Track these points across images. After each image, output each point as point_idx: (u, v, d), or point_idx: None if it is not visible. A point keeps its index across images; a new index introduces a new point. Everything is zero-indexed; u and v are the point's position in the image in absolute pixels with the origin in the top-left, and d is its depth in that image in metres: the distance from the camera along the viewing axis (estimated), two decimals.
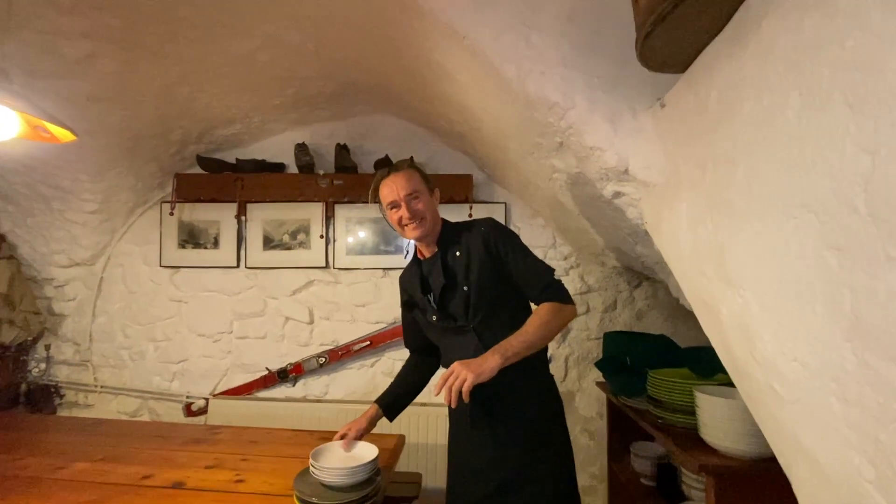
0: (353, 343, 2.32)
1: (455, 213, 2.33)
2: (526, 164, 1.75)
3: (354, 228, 2.42)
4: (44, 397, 2.40)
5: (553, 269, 1.26)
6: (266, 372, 2.37)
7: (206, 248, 2.46)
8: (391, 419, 1.45)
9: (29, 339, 2.38)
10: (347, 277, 2.43)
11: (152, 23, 1.51)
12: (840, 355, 0.52)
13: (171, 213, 2.39)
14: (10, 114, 0.97)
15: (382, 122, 2.49)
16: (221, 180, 2.38)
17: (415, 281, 1.33)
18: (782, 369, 0.61)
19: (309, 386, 2.39)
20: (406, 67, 1.80)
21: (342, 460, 1.23)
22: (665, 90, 1.07)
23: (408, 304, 1.38)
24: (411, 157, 1.36)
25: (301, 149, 2.35)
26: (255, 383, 2.35)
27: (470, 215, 2.28)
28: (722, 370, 1.08)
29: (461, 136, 2.16)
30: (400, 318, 2.30)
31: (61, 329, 2.50)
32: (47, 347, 2.44)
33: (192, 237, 2.47)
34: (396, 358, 2.38)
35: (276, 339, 2.43)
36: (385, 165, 2.31)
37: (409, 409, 2.21)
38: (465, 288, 1.22)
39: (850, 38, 0.50)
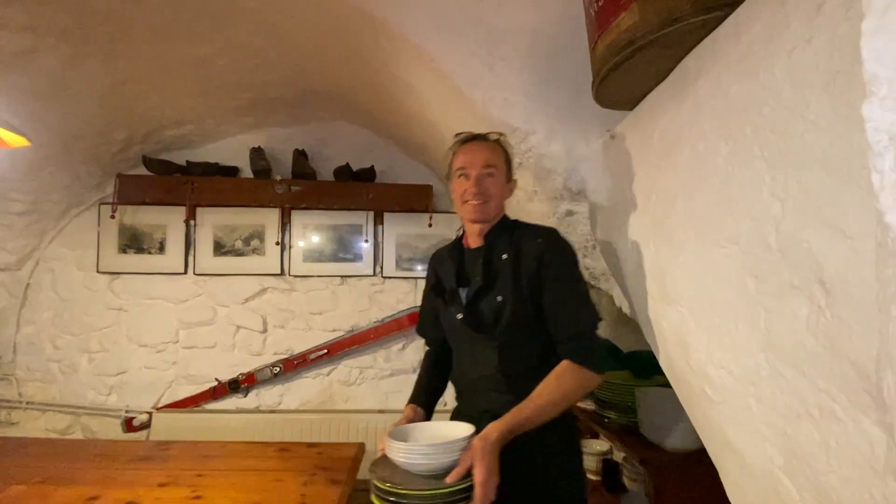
0: (310, 352, 2.30)
1: (415, 222, 2.39)
2: None
3: (312, 235, 2.40)
4: None
5: (598, 319, 1.02)
6: (215, 383, 2.29)
7: (150, 253, 2.34)
8: (429, 419, 1.24)
9: None
10: (304, 285, 2.40)
11: (104, 20, 1.44)
12: (756, 364, 0.63)
13: (113, 216, 2.25)
14: None
15: (342, 129, 2.49)
16: (169, 182, 2.28)
17: (450, 267, 1.16)
18: (711, 375, 0.72)
19: (262, 396, 2.33)
20: (371, 80, 1.83)
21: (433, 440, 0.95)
22: (615, 122, 1.19)
23: (435, 289, 1.20)
24: (503, 135, 1.14)
25: (257, 153, 2.31)
26: (204, 395, 2.26)
27: (430, 224, 2.34)
28: (659, 372, 1.21)
29: (423, 148, 2.22)
30: (356, 328, 2.36)
31: None
32: None
33: (134, 241, 2.33)
34: (353, 366, 2.38)
35: (227, 349, 2.35)
36: (345, 173, 2.33)
37: (366, 416, 2.23)
38: (500, 298, 1.04)
39: (767, 105, 0.61)
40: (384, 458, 0.94)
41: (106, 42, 1.54)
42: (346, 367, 2.38)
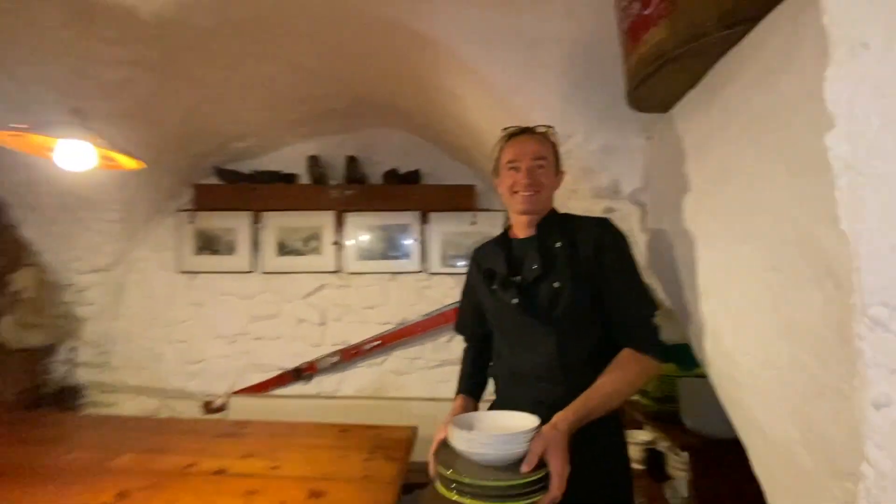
0: (365, 342, 2.48)
1: (459, 221, 2.50)
2: None
3: (363, 235, 2.57)
4: (68, 397, 2.52)
5: (656, 307, 1.02)
6: (281, 371, 2.52)
7: (221, 253, 2.60)
8: (476, 408, 1.26)
9: (54, 342, 2.50)
10: (357, 281, 2.58)
11: (185, 52, 1.65)
12: (777, 349, 0.69)
13: (192, 222, 2.53)
14: (90, 148, 1.12)
15: (389, 134, 2.64)
16: (238, 190, 2.52)
17: (498, 257, 1.15)
18: (738, 361, 0.79)
19: (322, 383, 2.54)
20: (417, 89, 1.95)
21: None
22: (651, 122, 1.24)
23: (484, 277, 1.17)
24: (550, 127, 1.15)
25: (313, 161, 2.50)
26: (272, 381, 2.50)
27: (473, 223, 2.45)
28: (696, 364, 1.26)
29: (465, 150, 2.32)
30: (405, 321, 2.51)
31: (82, 332, 2.62)
32: (72, 350, 2.56)
33: (208, 244, 2.60)
34: (404, 357, 2.54)
35: (290, 340, 2.58)
36: (393, 177, 2.48)
37: (417, 402, 2.37)
38: (557, 284, 1.02)
39: (785, 114, 0.67)
40: (444, 446, 0.93)
41: (186, 70, 1.75)
42: (398, 358, 2.54)
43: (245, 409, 2.40)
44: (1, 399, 2.30)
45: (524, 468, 0.81)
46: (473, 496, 0.79)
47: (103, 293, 2.63)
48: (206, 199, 2.54)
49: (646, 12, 0.87)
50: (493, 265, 1.16)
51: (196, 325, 2.61)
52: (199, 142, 2.31)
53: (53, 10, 1.40)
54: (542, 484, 0.81)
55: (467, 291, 1.32)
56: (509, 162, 1.09)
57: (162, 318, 2.62)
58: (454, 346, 2.52)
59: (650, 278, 1.87)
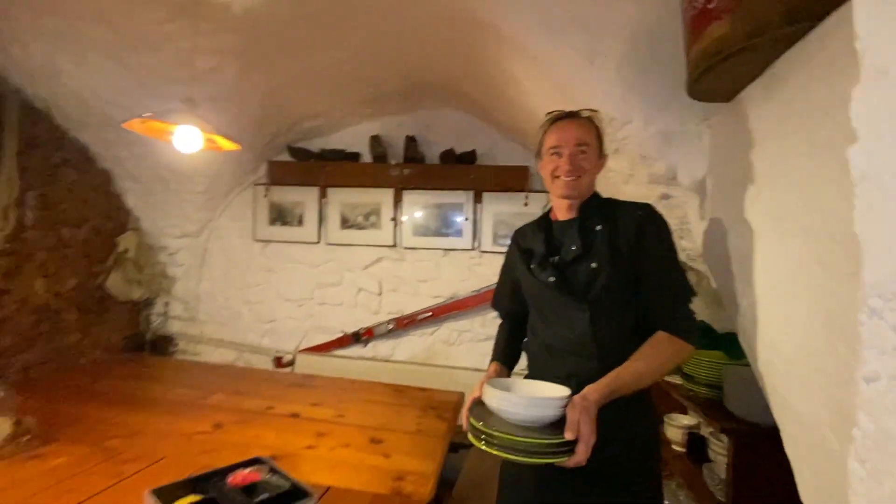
0: (418, 313, 2.64)
1: (511, 201, 2.56)
2: None
3: (419, 212, 2.70)
4: (162, 345, 2.91)
5: (692, 294, 1.04)
6: (342, 334, 2.75)
7: (291, 225, 2.84)
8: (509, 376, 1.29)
9: (151, 297, 2.88)
10: (412, 256, 2.73)
11: (267, 40, 1.81)
12: (816, 339, 0.73)
13: (266, 195, 2.77)
14: (197, 132, 1.31)
15: (446, 115, 2.72)
16: (307, 167, 2.72)
17: (538, 238, 1.18)
18: (779, 348, 0.83)
19: (377, 348, 2.75)
20: (476, 73, 2.01)
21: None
22: (711, 111, 1.24)
23: (522, 257, 1.20)
24: (595, 111, 1.15)
25: (375, 140, 2.64)
26: (334, 343, 2.74)
27: (526, 204, 2.50)
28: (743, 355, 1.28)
29: (520, 131, 2.36)
30: (456, 295, 2.64)
31: (174, 290, 2.98)
32: (166, 305, 2.93)
33: (280, 215, 2.85)
34: (453, 329, 2.68)
35: (351, 307, 2.80)
36: (449, 157, 2.56)
37: (463, 371, 2.51)
38: (595, 265, 1.05)
39: (841, 114, 0.69)
40: (479, 404, 0.98)
41: (266, 57, 1.92)
42: (447, 330, 2.69)
43: (310, 365, 2.66)
44: (110, 343, 2.71)
45: (568, 435, 0.84)
46: (501, 448, 0.84)
47: (190, 256, 2.96)
48: (278, 175, 2.77)
49: (710, 6, 0.89)
50: (532, 245, 1.19)
51: (268, 288, 2.90)
52: (274, 122, 2.51)
53: (161, 6, 1.59)
54: (567, 448, 0.84)
55: (506, 270, 1.36)
56: (552, 147, 1.10)
57: (239, 280, 2.93)
58: None
59: (703, 266, 1.86)
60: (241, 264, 2.93)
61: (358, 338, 2.71)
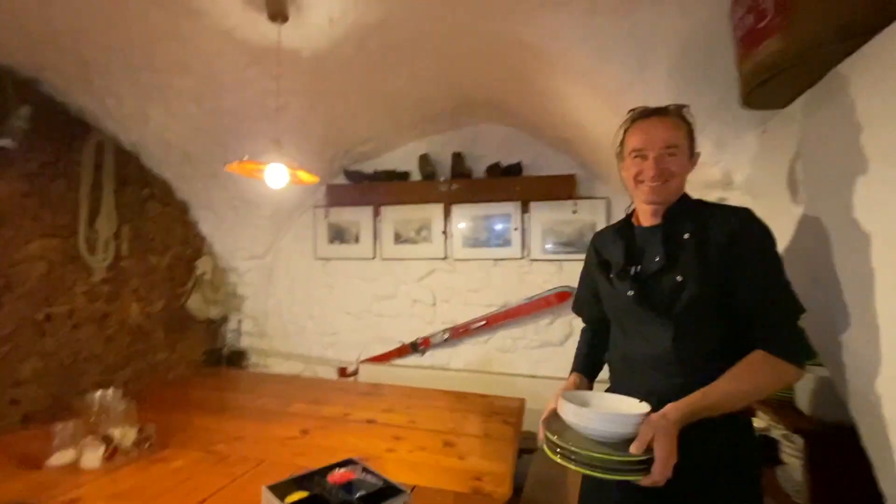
0: (472, 322, 2.74)
1: (559, 211, 2.62)
2: None
3: (468, 224, 2.80)
4: (236, 359, 3.16)
5: (801, 310, 0.91)
6: (400, 344, 2.88)
7: (348, 243, 3.02)
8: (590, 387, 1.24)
9: (226, 315, 3.13)
10: (463, 267, 2.84)
11: (330, 77, 1.98)
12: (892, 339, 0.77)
13: (326, 217, 2.97)
14: (284, 169, 1.48)
15: (491, 129, 2.82)
16: (361, 188, 2.90)
17: (617, 246, 1.10)
18: (858, 351, 0.86)
19: (435, 356, 2.86)
20: (522, 89, 2.10)
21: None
22: (765, 117, 1.27)
23: (600, 266, 1.15)
24: (685, 106, 1.05)
25: (424, 160, 2.78)
26: (393, 353, 2.88)
27: (574, 211, 2.55)
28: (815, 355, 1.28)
29: (566, 141, 2.42)
30: (508, 304, 2.71)
31: (244, 307, 3.23)
32: (239, 322, 3.18)
33: (338, 234, 3.03)
34: (507, 337, 2.75)
35: (407, 318, 2.93)
36: (497, 170, 2.65)
37: (520, 378, 2.57)
38: (680, 278, 0.96)
39: (893, 123, 0.73)
40: (555, 416, 0.97)
41: (328, 91, 2.10)
42: (502, 337, 2.76)
43: (372, 374, 2.80)
44: (192, 358, 2.97)
45: (633, 449, 0.82)
46: (576, 462, 0.85)
47: (258, 276, 3.20)
48: (335, 197, 2.96)
49: (759, 25, 0.94)
50: (611, 253, 1.12)
51: (329, 303, 3.08)
52: (331, 148, 2.71)
53: (243, 55, 1.79)
54: (643, 466, 0.82)
55: (585, 275, 1.30)
56: (635, 150, 1.01)
57: (302, 296, 3.13)
58: (555, 328, 2.68)
59: None
60: (303, 281, 3.14)
61: (416, 347, 2.83)
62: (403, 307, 2.94)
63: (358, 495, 1.14)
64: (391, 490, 1.15)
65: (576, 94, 1.77)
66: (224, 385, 2.33)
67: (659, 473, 0.81)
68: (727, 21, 1.22)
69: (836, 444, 1.21)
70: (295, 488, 1.17)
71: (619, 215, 2.56)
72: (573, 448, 0.86)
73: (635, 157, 1.02)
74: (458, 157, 2.74)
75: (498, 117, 2.70)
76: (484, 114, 2.69)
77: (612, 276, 1.09)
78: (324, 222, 3.03)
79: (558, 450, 0.89)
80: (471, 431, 1.69)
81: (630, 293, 1.03)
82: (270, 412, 1.86)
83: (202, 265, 3.00)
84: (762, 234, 0.95)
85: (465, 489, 1.27)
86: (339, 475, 1.22)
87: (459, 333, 2.76)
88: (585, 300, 1.30)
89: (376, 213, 2.93)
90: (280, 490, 1.14)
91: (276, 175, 1.50)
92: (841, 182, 0.92)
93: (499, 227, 2.74)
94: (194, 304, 2.94)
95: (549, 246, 2.65)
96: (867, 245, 0.82)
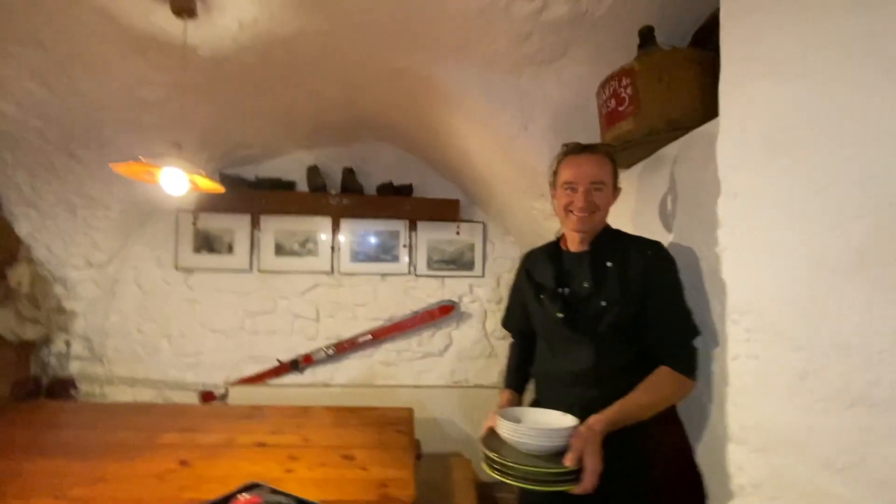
0: (359, 336, 2.76)
1: (443, 231, 2.84)
2: (510, 199, 2.30)
3: (357, 239, 2.83)
4: (61, 389, 2.59)
5: (697, 332, 1.05)
6: (278, 363, 2.74)
7: (220, 253, 2.77)
8: (520, 402, 1.34)
9: (49, 335, 2.56)
10: (350, 281, 2.85)
11: (228, 80, 1.86)
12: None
13: (194, 223, 2.68)
14: (183, 175, 1.34)
15: (382, 149, 2.92)
16: (239, 194, 2.70)
17: (547, 270, 1.19)
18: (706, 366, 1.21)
19: (316, 373, 2.79)
20: (419, 118, 2.27)
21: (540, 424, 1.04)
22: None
23: (532, 287, 1.23)
24: (611, 146, 1.19)
25: (314, 172, 2.74)
26: (270, 372, 2.71)
27: (457, 233, 2.81)
28: None
29: (453, 169, 2.67)
30: (394, 318, 2.80)
31: (73, 326, 2.68)
32: (67, 343, 2.62)
33: (206, 243, 2.76)
34: (392, 350, 2.84)
35: (287, 334, 2.80)
36: (389, 189, 2.77)
37: (404, 389, 2.68)
38: (604, 303, 1.07)
39: (707, 190, 1.08)
40: (492, 433, 1.05)
41: (221, 94, 1.96)
42: (386, 351, 2.84)
43: (245, 397, 2.60)
44: None
45: (568, 462, 0.90)
46: (514, 478, 0.92)
47: (96, 288, 2.70)
48: (207, 201, 2.69)
49: (619, 109, 1.27)
50: (542, 275, 1.21)
51: (192, 320, 2.76)
52: (210, 149, 2.48)
53: (123, 41, 1.58)
54: (574, 476, 0.90)
55: (515, 292, 1.38)
56: (566, 182, 1.11)
57: (157, 313, 2.75)
58: (437, 339, 2.87)
59: None
60: (159, 295, 2.76)
61: (297, 365, 2.72)
62: (283, 323, 2.80)
63: None
64: None
65: (471, 133, 2.00)
66: (57, 421, 1.92)
67: (589, 482, 0.90)
68: (592, 97, 1.56)
69: None
70: None
71: (493, 236, 2.92)
72: (510, 463, 0.93)
73: (567, 188, 1.12)
74: (349, 173, 2.77)
75: (390, 138, 2.82)
76: (377, 133, 2.78)
77: (542, 297, 1.18)
78: (190, 228, 2.73)
79: (496, 466, 0.96)
80: (367, 444, 1.74)
81: (560, 315, 1.12)
82: (133, 447, 1.63)
83: (17, 274, 2.41)
84: (670, 267, 1.09)
85: (374, 497, 1.34)
86: (244, 501, 1.17)
87: (345, 348, 2.75)
88: (515, 316, 1.37)
89: (255, 222, 2.76)
90: None
91: (174, 180, 1.36)
92: (655, 227, 1.29)
93: (388, 243, 2.84)
94: (3, 322, 2.34)
95: (433, 263, 2.85)
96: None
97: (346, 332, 2.81)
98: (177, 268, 2.75)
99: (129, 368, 2.72)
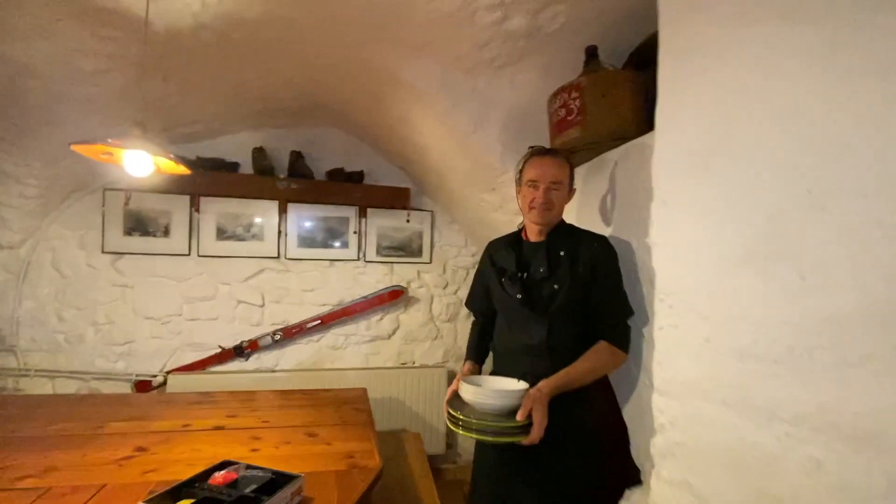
0: (307, 321, 2.77)
1: (393, 218, 2.93)
2: (462, 191, 2.45)
3: (305, 225, 2.82)
4: None
5: (631, 313, 1.26)
6: (219, 349, 2.67)
7: (155, 236, 2.62)
8: (480, 372, 1.51)
9: None
10: (297, 267, 2.84)
11: (181, 56, 1.78)
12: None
13: (126, 204, 2.50)
14: (148, 157, 1.29)
15: (331, 133, 2.91)
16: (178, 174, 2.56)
17: (510, 256, 1.36)
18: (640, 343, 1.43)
19: (261, 359, 2.76)
20: (376, 109, 2.32)
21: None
22: None
23: (495, 272, 1.39)
24: (570, 152, 1.38)
25: (260, 153, 2.67)
26: (212, 359, 2.64)
27: (408, 220, 2.90)
28: None
29: (408, 160, 2.75)
30: (342, 302, 2.84)
31: None
32: None
33: (139, 225, 2.59)
34: (340, 334, 2.89)
35: (228, 321, 2.73)
36: (339, 175, 2.79)
37: (352, 372, 2.76)
38: (556, 286, 1.25)
39: (641, 192, 1.29)
40: (456, 397, 1.23)
41: (167, 68, 1.87)
42: (334, 335, 2.88)
43: (185, 385, 2.52)
44: None
45: (519, 416, 1.08)
46: (475, 431, 1.10)
47: (4, 272, 2.44)
48: (142, 180, 2.52)
49: (568, 118, 1.45)
50: (504, 261, 1.38)
51: (123, 306, 2.60)
52: (147, 126, 2.33)
53: (60, 5, 1.46)
54: (524, 430, 1.09)
55: (479, 276, 1.56)
56: (530, 180, 1.28)
57: (81, 299, 2.55)
58: (385, 323, 2.96)
59: None
60: (83, 280, 2.55)
61: (241, 351, 2.68)
62: (225, 309, 2.73)
63: (251, 489, 1.17)
64: (284, 478, 1.23)
65: (428, 127, 2.10)
66: None
67: (536, 434, 1.08)
68: (541, 102, 1.73)
69: None
70: (173, 499, 1.12)
71: (440, 224, 3.05)
72: (472, 420, 1.11)
73: (530, 186, 1.29)
74: (297, 156, 2.74)
75: (342, 124, 2.82)
76: (328, 118, 2.77)
77: (504, 280, 1.36)
78: (119, 209, 2.55)
79: (460, 422, 1.14)
80: (327, 422, 1.81)
81: (519, 296, 1.30)
82: (80, 436, 1.56)
83: None
84: (612, 258, 1.28)
85: (343, 467, 1.43)
86: (221, 477, 1.21)
87: (293, 334, 2.75)
88: (478, 297, 1.55)
89: (195, 204, 2.64)
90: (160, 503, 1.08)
91: (138, 163, 1.31)
92: (596, 221, 1.51)
93: (337, 229, 2.86)
94: None
95: (383, 249, 2.92)
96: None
97: (294, 318, 2.81)
98: (104, 251, 2.56)
99: (48, 359, 2.51)
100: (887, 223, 0.59)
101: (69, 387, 2.52)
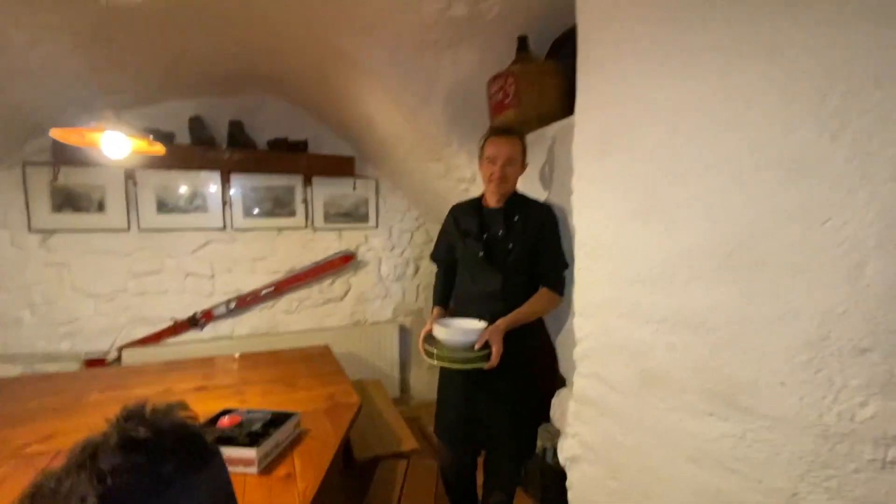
0: (261, 289, 2.86)
1: (339, 186, 3.05)
2: (408, 160, 2.64)
3: (250, 194, 2.85)
4: None
5: (567, 265, 1.53)
6: (172, 322, 2.70)
7: (88, 212, 2.52)
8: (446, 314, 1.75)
9: None
10: (245, 237, 2.88)
11: (109, 23, 1.73)
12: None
13: (55, 180, 2.37)
14: (124, 137, 1.31)
15: (271, 102, 2.90)
16: None
17: (472, 219, 1.64)
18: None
19: (216, 328, 2.83)
20: (319, 79, 2.39)
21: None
22: None
23: (459, 232, 1.67)
24: (523, 132, 1.61)
25: (197, 123, 2.62)
26: (166, 332, 2.67)
27: (354, 188, 3.04)
28: None
29: (354, 131, 2.85)
30: (294, 269, 2.94)
31: None
32: None
33: (70, 201, 2.48)
34: (294, 299, 3.02)
35: (179, 293, 2.75)
36: (282, 145, 2.83)
37: (309, 333, 2.94)
38: (511, 245, 1.53)
39: (561, 176, 1.61)
40: (429, 335, 1.53)
41: (98, 36, 1.80)
42: (287, 301, 3.01)
43: (141, 358, 2.54)
44: None
45: (477, 347, 1.42)
46: (447, 360, 1.44)
47: None
48: (68, 153, 2.39)
49: (505, 101, 1.70)
50: (468, 223, 1.66)
51: (60, 285, 2.51)
52: (67, 94, 2.21)
53: None
54: (486, 358, 1.42)
55: (443, 233, 1.83)
56: (489, 157, 1.54)
57: (12, 281, 2.43)
58: (336, 287, 3.14)
59: None
60: (11, 261, 2.42)
61: (195, 322, 2.73)
62: (173, 282, 2.74)
63: (256, 427, 1.38)
64: (282, 416, 1.44)
65: (375, 99, 2.24)
66: None
67: (495, 359, 1.41)
68: (481, 81, 1.95)
69: None
70: None
71: (384, 191, 3.23)
72: (443, 353, 1.45)
73: (489, 161, 1.55)
74: (237, 126, 2.73)
75: (282, 92, 2.82)
76: (268, 86, 2.75)
77: (467, 239, 1.65)
78: (45, 185, 2.41)
79: (434, 355, 1.46)
80: (302, 374, 2.02)
81: (481, 253, 1.60)
82: (64, 408, 1.63)
83: None
84: (555, 222, 1.59)
85: (327, 405, 1.67)
86: (226, 421, 1.40)
87: (247, 302, 2.84)
88: (442, 251, 1.82)
89: (130, 177, 2.57)
90: None
91: (115, 145, 1.35)
92: (536, 187, 1.82)
93: (283, 198, 2.92)
94: None
95: (331, 216, 3.05)
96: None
97: (246, 287, 2.89)
98: (31, 229, 2.43)
99: None
100: (720, 189, 0.93)
101: (11, 371, 2.43)
